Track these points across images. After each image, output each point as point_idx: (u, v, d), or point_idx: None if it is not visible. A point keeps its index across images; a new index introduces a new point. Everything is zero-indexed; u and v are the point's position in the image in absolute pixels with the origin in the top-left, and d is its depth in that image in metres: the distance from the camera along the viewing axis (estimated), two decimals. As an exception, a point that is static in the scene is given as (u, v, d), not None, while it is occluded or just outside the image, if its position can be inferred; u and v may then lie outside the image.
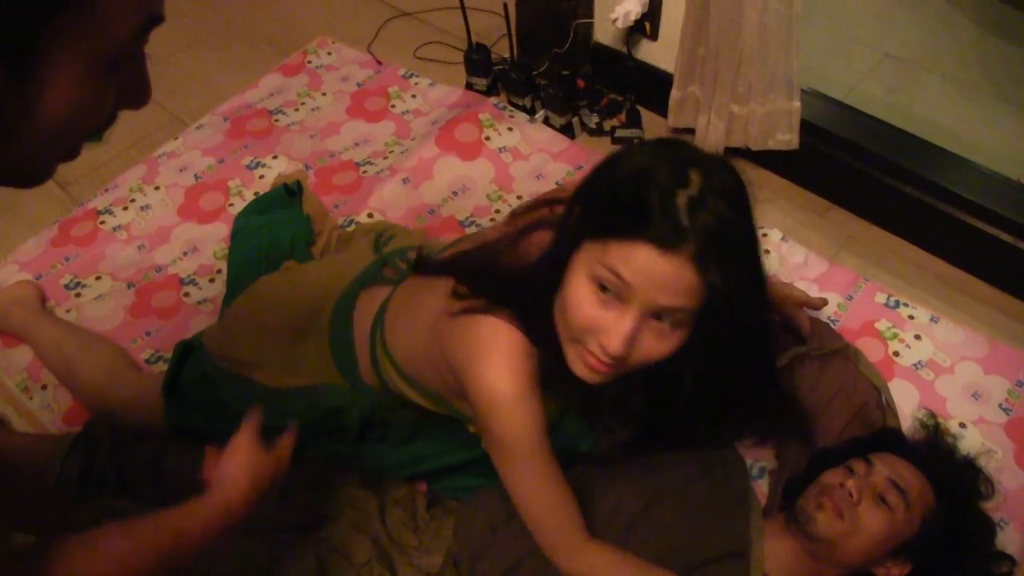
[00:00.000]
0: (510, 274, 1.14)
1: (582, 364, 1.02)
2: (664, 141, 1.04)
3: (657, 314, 0.96)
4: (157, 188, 2.10)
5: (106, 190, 2.09)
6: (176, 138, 2.23)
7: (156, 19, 0.61)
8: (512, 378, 1.07)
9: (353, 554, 1.28)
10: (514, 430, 1.10)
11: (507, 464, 1.15)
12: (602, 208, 0.98)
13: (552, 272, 1.04)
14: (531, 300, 1.08)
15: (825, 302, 1.63)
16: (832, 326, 1.75)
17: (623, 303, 0.96)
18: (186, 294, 1.87)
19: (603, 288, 0.96)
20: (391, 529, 1.33)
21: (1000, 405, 1.66)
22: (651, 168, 0.95)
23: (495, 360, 1.08)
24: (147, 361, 1.73)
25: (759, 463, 1.58)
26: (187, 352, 1.52)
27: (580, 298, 0.98)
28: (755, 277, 1.02)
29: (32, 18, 0.53)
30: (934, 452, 1.44)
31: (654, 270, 0.92)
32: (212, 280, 1.88)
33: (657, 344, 0.99)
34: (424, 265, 1.30)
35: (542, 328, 1.07)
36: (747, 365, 1.18)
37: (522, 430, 1.10)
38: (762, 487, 1.55)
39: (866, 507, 1.26)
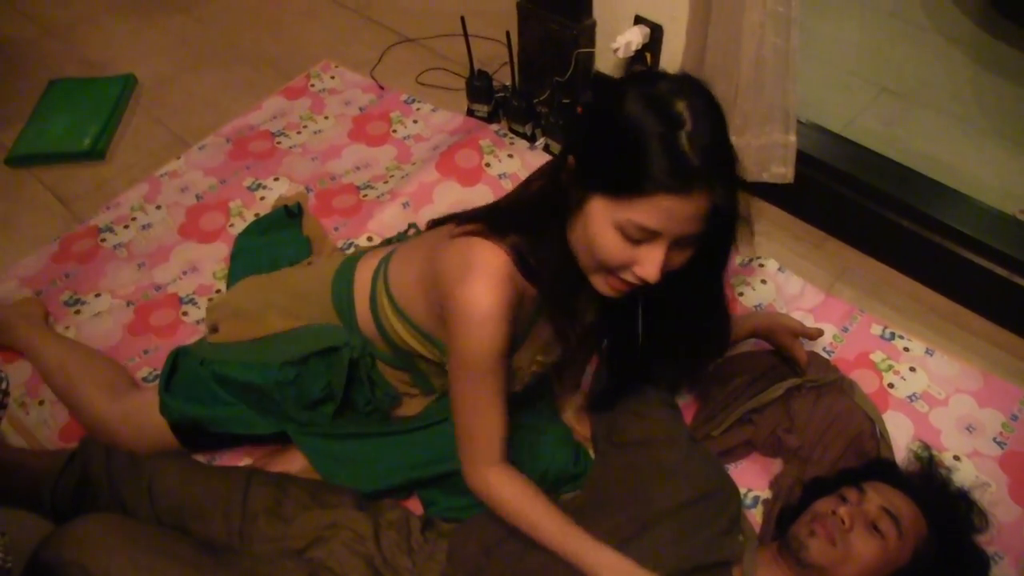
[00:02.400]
0: (509, 208, 1.25)
1: (608, 288, 1.14)
2: (633, 79, 1.10)
3: (679, 241, 1.06)
4: (158, 207, 2.11)
5: (108, 208, 2.11)
6: (178, 158, 2.25)
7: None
8: (490, 296, 1.14)
9: (347, 575, 1.28)
10: (477, 346, 1.16)
11: (459, 376, 1.21)
12: (608, 167, 1.04)
13: (550, 214, 1.14)
14: (528, 233, 1.17)
15: (821, 332, 1.64)
16: (827, 357, 1.76)
17: (652, 240, 1.05)
18: (185, 313, 1.87)
19: (629, 235, 1.04)
20: (385, 551, 1.33)
21: (994, 439, 1.66)
22: (642, 119, 1.00)
23: (478, 277, 1.14)
24: (145, 379, 1.74)
25: (753, 492, 1.58)
26: (181, 355, 1.54)
27: (610, 246, 1.06)
28: (738, 177, 1.08)
29: None
30: (927, 483, 1.44)
31: (677, 213, 1.01)
32: (211, 300, 1.89)
33: (676, 259, 1.09)
34: (434, 222, 1.38)
35: (537, 257, 1.17)
36: (710, 281, 1.26)
37: (482, 348, 1.16)
38: (756, 516, 1.55)
39: (858, 535, 1.26)
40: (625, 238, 1.05)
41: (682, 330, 1.35)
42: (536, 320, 1.28)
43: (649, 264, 1.06)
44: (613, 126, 1.03)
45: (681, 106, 1.00)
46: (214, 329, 1.55)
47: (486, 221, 1.20)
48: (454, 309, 1.16)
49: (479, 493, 1.28)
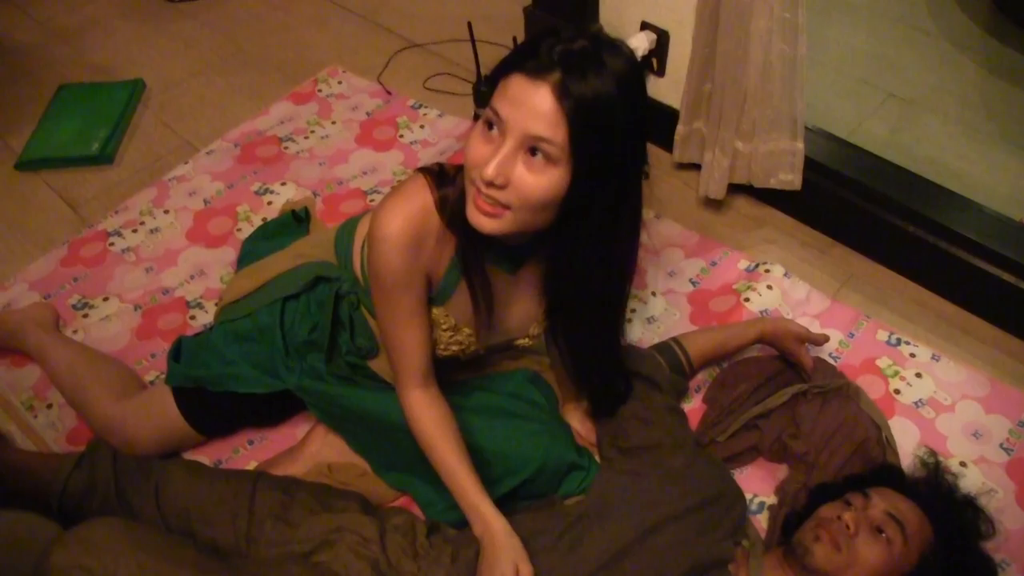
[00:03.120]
0: None
1: (474, 208, 1.10)
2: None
3: (531, 147, 1.04)
4: (166, 211, 2.12)
5: (116, 212, 2.12)
6: (186, 162, 2.26)
7: None
8: (396, 221, 1.18)
9: (352, 579, 1.28)
10: (377, 263, 1.22)
11: (375, 296, 1.28)
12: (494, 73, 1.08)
13: None
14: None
15: (827, 338, 1.64)
16: (833, 363, 1.76)
17: (502, 136, 1.04)
18: (192, 317, 1.88)
19: (489, 127, 1.06)
20: (390, 555, 1.33)
21: (1001, 445, 1.66)
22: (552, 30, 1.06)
23: (392, 203, 1.20)
24: (152, 383, 1.74)
25: (758, 498, 1.58)
26: (187, 338, 1.61)
27: (472, 141, 1.08)
28: (619, 140, 1.09)
29: None
30: (933, 489, 1.43)
31: (521, 96, 1.02)
32: (218, 304, 1.89)
33: (532, 178, 1.06)
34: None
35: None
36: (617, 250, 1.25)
37: (380, 266, 1.22)
38: (761, 522, 1.55)
39: (863, 540, 1.26)
40: (485, 131, 1.07)
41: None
42: (457, 282, 1.31)
43: (491, 159, 1.04)
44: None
45: (584, 40, 1.04)
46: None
47: (443, 166, 1.25)
48: (370, 229, 1.23)
49: (405, 415, 1.35)
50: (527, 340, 1.46)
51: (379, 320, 1.31)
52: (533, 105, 1.01)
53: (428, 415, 1.34)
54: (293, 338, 1.51)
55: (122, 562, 1.13)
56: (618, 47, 1.07)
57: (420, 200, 1.20)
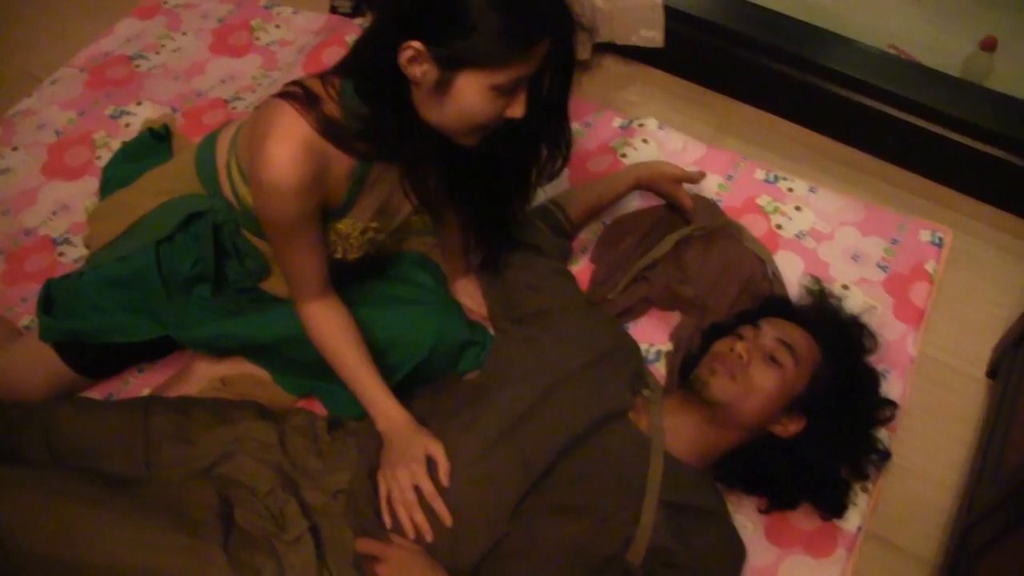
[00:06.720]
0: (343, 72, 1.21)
1: (475, 140, 1.19)
2: None
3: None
4: (15, 149, 2.00)
5: (-40, 157, 1.99)
6: (30, 95, 2.12)
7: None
8: (284, 167, 1.15)
9: (256, 485, 1.26)
10: (270, 212, 1.21)
11: (267, 232, 1.28)
12: (479, 46, 1.05)
13: (388, 92, 1.14)
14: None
15: (703, 175, 1.66)
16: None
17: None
18: (61, 254, 1.80)
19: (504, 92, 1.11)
20: (293, 456, 1.32)
21: (878, 264, 1.72)
22: None
23: (273, 144, 1.15)
24: (27, 327, 1.67)
25: (655, 347, 1.61)
26: (56, 283, 1.52)
27: (487, 109, 1.12)
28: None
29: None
30: (820, 313, 1.48)
31: (538, 54, 1.10)
32: (86, 245, 1.81)
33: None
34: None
35: (378, 130, 1.20)
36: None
37: (275, 214, 1.21)
38: (660, 369, 1.58)
39: (756, 367, 1.30)
40: (499, 95, 1.10)
41: (530, 150, 1.35)
42: (361, 189, 1.29)
43: (518, 106, 1.14)
44: (462, 5, 1.03)
45: None
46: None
47: (305, 86, 1.19)
48: (251, 173, 1.21)
49: (303, 326, 1.35)
50: (422, 219, 1.45)
51: (275, 251, 1.30)
52: (544, 53, 1.11)
53: (327, 325, 1.34)
54: (175, 277, 1.45)
55: (5, 507, 1.10)
56: None
57: (299, 135, 1.16)
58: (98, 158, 1.96)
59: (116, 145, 1.97)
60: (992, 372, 1.61)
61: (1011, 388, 1.46)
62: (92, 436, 1.34)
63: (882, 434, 1.46)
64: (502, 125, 1.17)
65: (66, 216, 1.86)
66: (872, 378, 1.43)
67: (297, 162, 1.15)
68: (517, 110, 1.15)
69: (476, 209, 1.43)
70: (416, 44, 1.06)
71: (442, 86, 1.09)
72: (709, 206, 1.73)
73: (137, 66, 2.18)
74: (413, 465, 1.22)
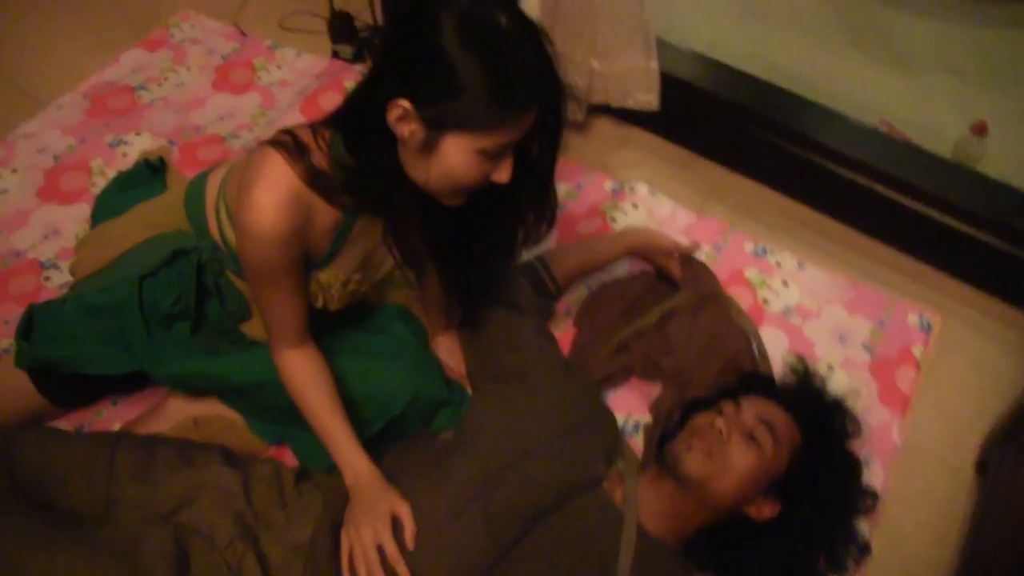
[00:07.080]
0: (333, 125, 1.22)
1: (460, 200, 1.21)
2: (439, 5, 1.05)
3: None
4: (14, 171, 2.02)
5: (-42, 175, 2.00)
6: (34, 118, 2.14)
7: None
8: (268, 215, 1.15)
9: (215, 535, 1.25)
10: (253, 259, 1.22)
11: (250, 278, 1.27)
12: (468, 109, 1.05)
13: (376, 146, 1.15)
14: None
15: (697, 246, 1.65)
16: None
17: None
18: (47, 278, 1.80)
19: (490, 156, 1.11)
20: (256, 506, 1.30)
21: (863, 344, 1.72)
22: (477, 57, 1.02)
23: (259, 192, 1.15)
24: (7, 351, 1.66)
25: (633, 417, 1.61)
26: (38, 308, 1.50)
27: (473, 172, 1.12)
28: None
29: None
30: (802, 394, 1.45)
31: (526, 122, 1.10)
32: (71, 272, 1.81)
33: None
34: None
35: (364, 184, 1.20)
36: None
37: (257, 261, 1.21)
38: (638, 442, 1.57)
39: (735, 445, 1.27)
40: (485, 159, 1.10)
41: (515, 213, 1.36)
42: (345, 240, 1.29)
43: (504, 170, 1.15)
44: (452, 69, 1.02)
45: (503, 18, 1.03)
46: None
47: (296, 136, 1.19)
48: (236, 219, 1.22)
49: (278, 372, 1.34)
50: (404, 273, 1.45)
51: (255, 296, 1.29)
52: (532, 120, 1.11)
53: (302, 374, 1.33)
54: (155, 313, 1.45)
55: None
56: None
57: (286, 184, 1.16)
58: (93, 185, 1.98)
59: (112, 173, 1.98)
60: (980, 466, 1.58)
61: (1001, 486, 1.43)
62: (55, 464, 1.32)
63: (862, 525, 1.40)
64: (487, 187, 1.18)
65: (56, 240, 1.88)
66: (854, 465, 1.39)
67: (282, 210, 1.15)
68: (503, 175, 1.15)
69: (458, 267, 1.43)
70: (405, 103, 1.06)
71: (429, 146, 1.10)
72: (701, 272, 1.70)
73: (139, 97, 2.20)
74: (378, 524, 1.20)
